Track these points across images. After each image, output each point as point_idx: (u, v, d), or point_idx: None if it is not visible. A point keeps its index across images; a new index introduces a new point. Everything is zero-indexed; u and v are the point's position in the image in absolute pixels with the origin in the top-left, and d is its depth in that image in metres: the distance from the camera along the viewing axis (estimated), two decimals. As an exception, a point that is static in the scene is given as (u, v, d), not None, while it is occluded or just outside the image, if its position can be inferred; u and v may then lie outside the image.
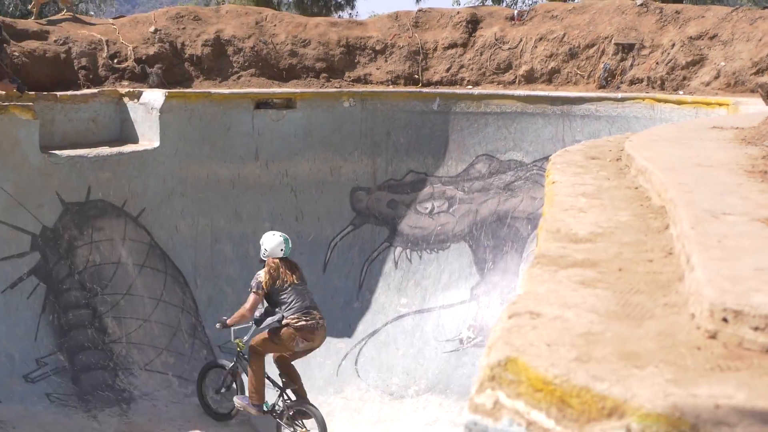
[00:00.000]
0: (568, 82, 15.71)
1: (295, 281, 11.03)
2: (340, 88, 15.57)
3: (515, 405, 1.88)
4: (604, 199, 3.99)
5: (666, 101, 13.15)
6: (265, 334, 11.15)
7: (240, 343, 11.59)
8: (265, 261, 11.18)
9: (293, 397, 11.40)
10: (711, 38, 14.76)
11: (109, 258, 12.73)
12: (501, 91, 15.11)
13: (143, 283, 12.89)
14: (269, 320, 11.09)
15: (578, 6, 17.18)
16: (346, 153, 14.56)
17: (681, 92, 14.12)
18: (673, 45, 14.98)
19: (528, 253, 13.22)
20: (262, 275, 11.00)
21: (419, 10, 17.78)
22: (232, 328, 11.37)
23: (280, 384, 11.47)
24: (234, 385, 11.82)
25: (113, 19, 16.48)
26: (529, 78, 16.02)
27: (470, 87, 15.93)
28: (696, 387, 1.76)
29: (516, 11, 17.33)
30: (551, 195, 4.21)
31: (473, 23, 16.99)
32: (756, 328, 1.95)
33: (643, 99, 13.49)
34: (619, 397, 1.73)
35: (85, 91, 13.77)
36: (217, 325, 11.47)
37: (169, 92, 13.56)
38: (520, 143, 14.25)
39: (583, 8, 16.86)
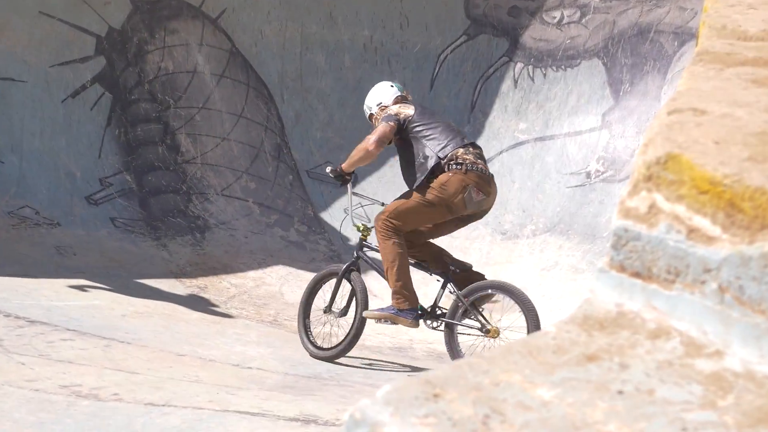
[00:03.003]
0: None
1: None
2: None
3: (675, 209, 1.88)
4: (778, -4, 3.88)
5: None
6: (406, 197, 8.74)
7: (362, 228, 9.30)
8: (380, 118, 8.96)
9: (461, 282, 8.75)
10: None
11: (183, 66, 12.84)
12: None
13: (222, 96, 13.01)
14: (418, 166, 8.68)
15: None
16: (461, -52, 14.30)
17: None
18: None
19: (673, 74, 12.97)
20: (394, 107, 8.91)
21: None
22: (351, 192, 9.41)
23: (435, 271, 8.95)
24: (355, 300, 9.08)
25: None
26: None
27: None
28: None
29: None
30: (714, -11, 4.10)
31: None
32: None
33: None
34: (801, 200, 1.72)
35: None
36: (328, 171, 9.41)
37: None
38: (671, -58, 13.82)
39: None
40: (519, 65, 13.99)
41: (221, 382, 7.80)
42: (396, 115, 8.71)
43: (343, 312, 9.13)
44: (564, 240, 12.36)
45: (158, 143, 12.41)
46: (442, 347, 9.35)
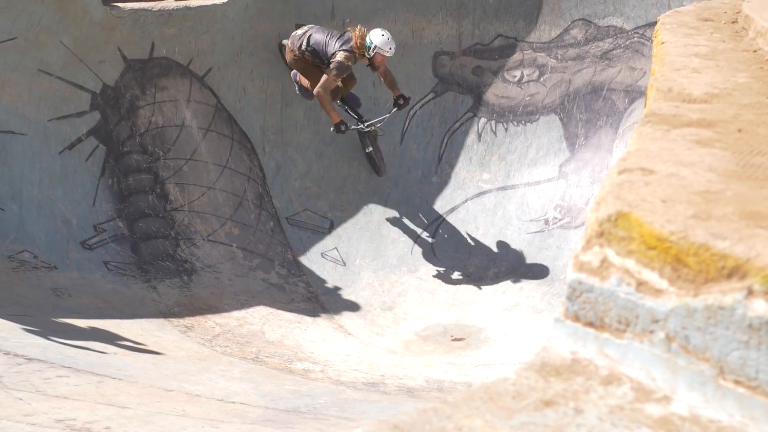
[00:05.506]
0: (678, -59, 15.25)
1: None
2: (424, -59, 15.25)
3: (625, 263, 1.88)
4: (719, 61, 3.90)
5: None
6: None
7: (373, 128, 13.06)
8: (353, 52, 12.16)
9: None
10: None
11: (172, 120, 12.81)
12: (602, -51, 14.68)
13: (208, 149, 12.98)
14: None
15: None
16: (429, 14, 14.32)
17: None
18: None
19: (624, 128, 13.05)
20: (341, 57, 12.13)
21: None
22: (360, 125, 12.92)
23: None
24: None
25: None
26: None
27: (568, -56, 15.52)
28: (829, 249, 1.74)
29: None
30: (661, 55, 4.13)
31: None
32: None
33: (762, -39, 13.04)
34: (741, 256, 1.71)
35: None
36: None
37: (239, -59, 13.39)
38: (621, 7, 13.89)
39: None
40: (482, 120, 14.04)
41: (206, 416, 7.73)
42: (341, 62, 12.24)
43: None
44: (524, 282, 12.37)
45: (148, 192, 12.37)
46: (413, 382, 9.42)
